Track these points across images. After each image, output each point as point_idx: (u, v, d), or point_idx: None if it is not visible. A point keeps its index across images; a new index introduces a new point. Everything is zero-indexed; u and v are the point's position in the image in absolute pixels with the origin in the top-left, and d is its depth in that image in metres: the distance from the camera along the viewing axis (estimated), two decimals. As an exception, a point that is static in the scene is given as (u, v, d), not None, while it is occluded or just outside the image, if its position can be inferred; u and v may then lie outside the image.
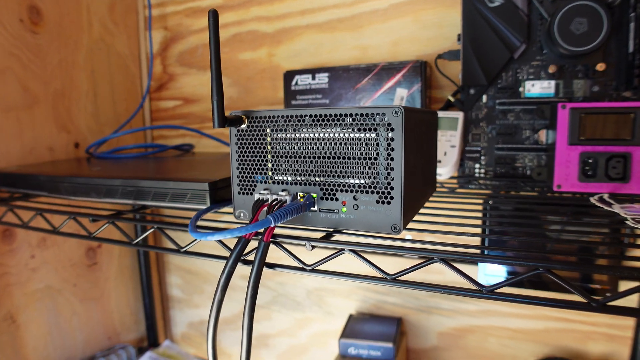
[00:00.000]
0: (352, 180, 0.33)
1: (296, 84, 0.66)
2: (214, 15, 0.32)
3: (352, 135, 0.32)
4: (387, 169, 0.32)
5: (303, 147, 0.34)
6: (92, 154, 0.73)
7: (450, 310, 0.69)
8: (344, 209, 0.34)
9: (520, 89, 0.56)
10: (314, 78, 0.65)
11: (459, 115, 0.58)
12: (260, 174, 0.36)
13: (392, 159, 0.32)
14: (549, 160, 0.53)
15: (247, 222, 0.38)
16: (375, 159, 0.32)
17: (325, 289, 0.76)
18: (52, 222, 0.49)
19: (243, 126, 0.36)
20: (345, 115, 0.33)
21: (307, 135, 0.34)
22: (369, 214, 0.33)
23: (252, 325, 0.30)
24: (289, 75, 0.67)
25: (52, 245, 0.72)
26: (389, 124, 0.31)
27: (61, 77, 0.73)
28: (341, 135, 0.33)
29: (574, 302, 0.26)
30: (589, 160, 0.49)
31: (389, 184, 0.32)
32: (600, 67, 0.52)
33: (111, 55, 0.81)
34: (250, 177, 0.37)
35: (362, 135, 0.32)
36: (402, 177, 0.31)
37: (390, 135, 0.31)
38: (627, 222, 0.37)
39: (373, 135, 0.32)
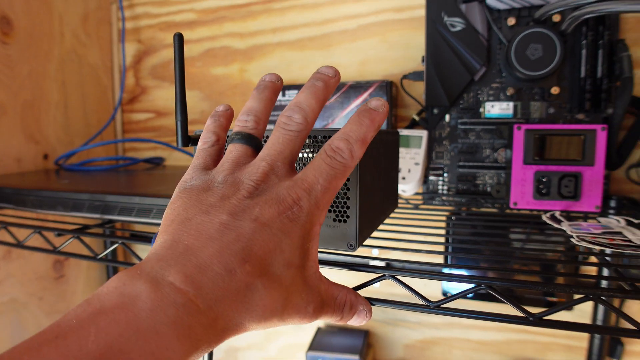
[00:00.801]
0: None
1: (267, 99, 0.68)
2: (179, 38, 0.33)
3: (310, 155, 0.34)
4: (343, 189, 0.33)
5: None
6: (61, 165, 0.72)
7: (415, 322, 0.71)
8: (304, 227, 0.35)
9: (481, 110, 0.58)
10: (284, 95, 0.67)
11: (423, 133, 0.60)
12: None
13: (348, 180, 0.33)
14: (507, 178, 0.56)
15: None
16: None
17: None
18: (16, 235, 0.49)
19: (207, 145, 0.36)
20: (314, 136, 0.34)
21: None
22: (326, 231, 0.34)
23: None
24: (261, 91, 0.68)
25: (18, 258, 0.71)
26: (346, 146, 0.33)
27: (31, 87, 0.72)
28: (309, 155, 0.34)
29: (514, 316, 0.28)
30: (543, 179, 0.51)
31: (344, 203, 0.33)
32: (555, 90, 0.55)
33: (83, 66, 0.81)
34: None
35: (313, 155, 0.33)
36: (358, 196, 0.33)
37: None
38: (572, 239, 0.39)
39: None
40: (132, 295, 0.20)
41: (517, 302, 0.28)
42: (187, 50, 0.77)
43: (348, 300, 0.29)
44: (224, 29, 0.74)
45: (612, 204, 0.54)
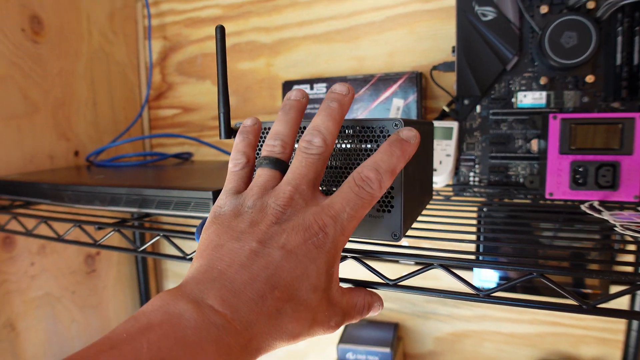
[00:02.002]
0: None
1: (294, 93, 0.68)
2: (221, 30, 0.33)
3: (353, 146, 0.34)
4: (387, 178, 0.33)
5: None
6: (92, 162, 0.74)
7: (446, 315, 0.70)
8: (346, 217, 0.35)
9: (513, 100, 0.57)
10: (312, 88, 0.67)
11: (454, 125, 0.59)
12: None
13: (392, 169, 0.33)
14: (541, 169, 0.55)
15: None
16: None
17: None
18: (55, 230, 0.50)
19: (248, 137, 0.37)
20: (347, 127, 0.34)
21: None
22: (370, 221, 0.34)
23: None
24: (288, 85, 0.68)
25: (52, 253, 0.72)
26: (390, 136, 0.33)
27: (61, 85, 0.74)
28: (342, 146, 0.34)
29: (567, 304, 0.27)
30: (580, 169, 0.50)
31: (389, 192, 0.33)
32: (590, 79, 0.54)
33: (110, 64, 0.82)
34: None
35: (363, 146, 0.33)
36: (402, 186, 0.33)
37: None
38: (615, 228, 0.38)
39: (375, 146, 0.33)
40: (177, 313, 0.21)
41: (568, 291, 0.28)
42: (213, 45, 0.77)
43: (366, 303, 0.30)
44: (250, 23, 0.75)
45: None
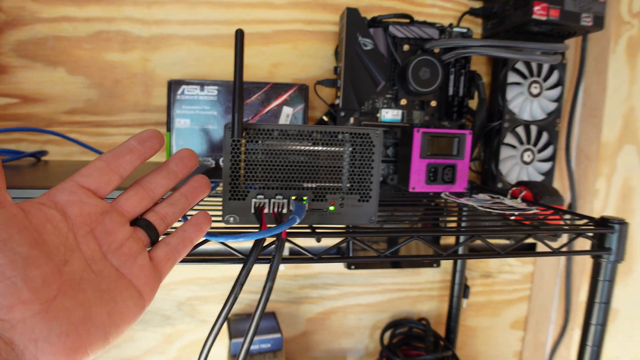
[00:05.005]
0: (338, 184, 0.41)
1: (182, 93, 0.67)
2: (240, 35, 0.35)
3: (334, 148, 0.41)
4: (367, 173, 0.41)
5: (293, 158, 0.40)
6: None
7: (316, 297, 0.81)
8: (332, 208, 0.42)
9: (378, 115, 0.72)
10: (202, 89, 0.67)
11: (336, 132, 0.70)
12: (252, 180, 0.40)
13: (372, 167, 0.41)
14: (397, 169, 0.71)
15: (238, 225, 0.41)
16: (353, 167, 0.41)
17: (198, 298, 0.77)
18: None
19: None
20: (338, 132, 0.41)
21: (296, 147, 0.40)
22: (352, 210, 0.42)
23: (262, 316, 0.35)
24: (176, 85, 0.67)
25: None
26: (371, 142, 0.41)
27: None
28: (330, 148, 0.41)
29: (369, 255, 0.41)
30: (432, 169, 0.68)
31: (368, 186, 0.42)
32: (433, 103, 0.72)
33: None
34: (241, 184, 0.40)
35: (344, 149, 0.41)
36: (378, 179, 0.41)
37: (372, 149, 0.41)
38: (480, 209, 0.56)
39: (350, 149, 0.41)
40: None
41: (372, 247, 0.42)
42: (71, 28, 0.68)
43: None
44: (123, 12, 0.69)
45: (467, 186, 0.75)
